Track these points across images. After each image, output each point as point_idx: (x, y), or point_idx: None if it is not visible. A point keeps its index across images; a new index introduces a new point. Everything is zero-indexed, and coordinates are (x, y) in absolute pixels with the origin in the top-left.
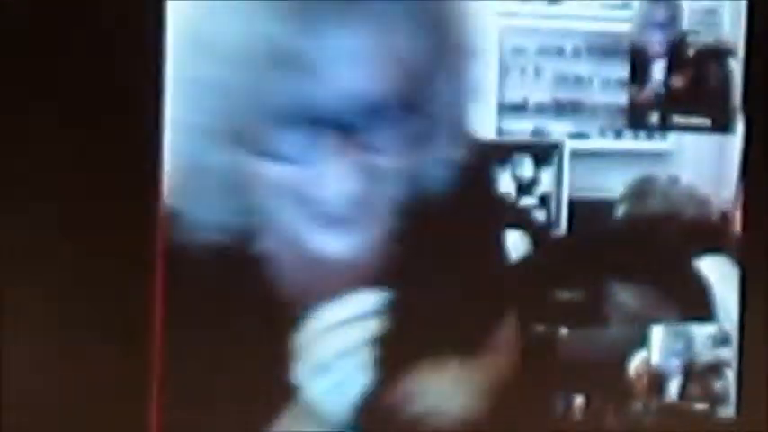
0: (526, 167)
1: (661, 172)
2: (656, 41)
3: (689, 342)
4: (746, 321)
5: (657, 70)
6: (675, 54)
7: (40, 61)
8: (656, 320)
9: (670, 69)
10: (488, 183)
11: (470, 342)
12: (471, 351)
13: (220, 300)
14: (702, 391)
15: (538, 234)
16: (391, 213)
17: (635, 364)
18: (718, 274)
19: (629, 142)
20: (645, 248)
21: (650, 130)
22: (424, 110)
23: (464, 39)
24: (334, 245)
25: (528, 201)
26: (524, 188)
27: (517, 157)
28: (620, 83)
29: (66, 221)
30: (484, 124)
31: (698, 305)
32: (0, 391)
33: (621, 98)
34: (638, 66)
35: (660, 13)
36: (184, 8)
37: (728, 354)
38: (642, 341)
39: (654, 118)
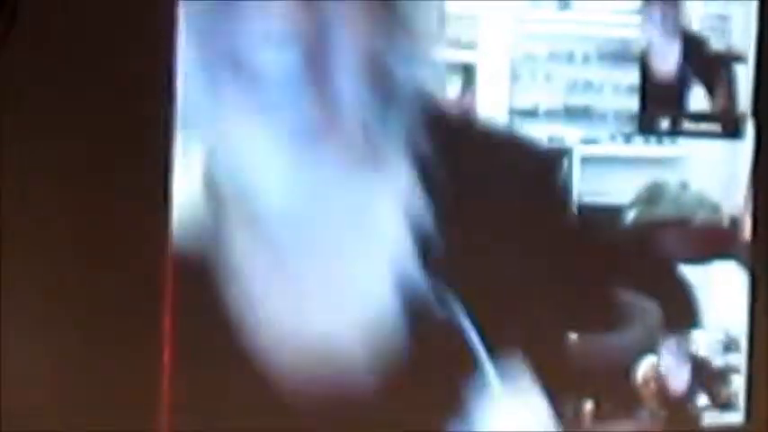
0: None
1: (671, 177)
2: (665, 48)
3: (698, 347)
4: (755, 327)
5: (667, 76)
6: (685, 60)
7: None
8: (663, 326)
9: (680, 75)
10: None
11: None
12: None
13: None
14: (711, 397)
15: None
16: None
17: (643, 369)
18: (728, 280)
19: (639, 148)
20: (647, 255)
21: (660, 136)
22: None
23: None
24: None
25: None
26: None
27: None
28: (631, 88)
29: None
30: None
31: (685, 312)
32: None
33: (632, 104)
34: (648, 72)
35: (670, 20)
36: None
37: (737, 359)
38: (650, 347)
39: (664, 124)
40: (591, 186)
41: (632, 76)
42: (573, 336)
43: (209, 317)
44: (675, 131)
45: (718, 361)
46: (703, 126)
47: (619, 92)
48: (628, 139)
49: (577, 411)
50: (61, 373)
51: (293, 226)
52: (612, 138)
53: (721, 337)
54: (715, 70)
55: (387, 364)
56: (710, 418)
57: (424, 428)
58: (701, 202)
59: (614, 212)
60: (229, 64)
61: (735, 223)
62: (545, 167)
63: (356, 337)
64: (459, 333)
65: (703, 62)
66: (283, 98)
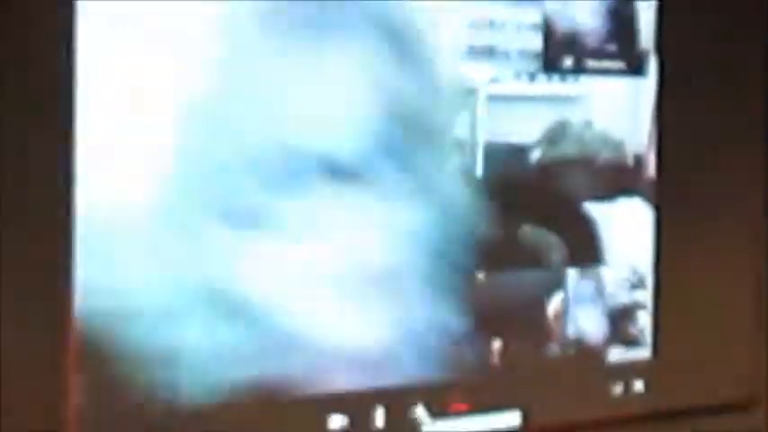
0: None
1: (575, 116)
2: None
3: (605, 285)
4: (662, 263)
5: (571, 14)
6: None
7: None
8: (569, 264)
9: (583, 13)
10: None
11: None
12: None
13: None
14: (618, 333)
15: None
16: None
17: (551, 307)
18: (633, 217)
19: (543, 86)
20: (552, 193)
21: (564, 74)
22: None
23: None
24: None
25: None
26: None
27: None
28: (534, 27)
29: None
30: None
31: (591, 249)
32: None
33: (535, 42)
34: (552, 9)
35: None
36: None
37: (644, 296)
38: (558, 284)
39: (567, 62)
40: (497, 126)
41: (536, 14)
42: (480, 275)
43: None
44: (579, 69)
45: (624, 297)
46: (606, 64)
47: (523, 30)
48: (532, 77)
49: (486, 350)
50: None
51: None
52: (517, 76)
53: (628, 273)
54: (617, 7)
55: None
56: (617, 354)
57: None
58: (605, 139)
59: (520, 151)
60: None
61: (639, 160)
62: None
63: None
64: None
65: None
66: None
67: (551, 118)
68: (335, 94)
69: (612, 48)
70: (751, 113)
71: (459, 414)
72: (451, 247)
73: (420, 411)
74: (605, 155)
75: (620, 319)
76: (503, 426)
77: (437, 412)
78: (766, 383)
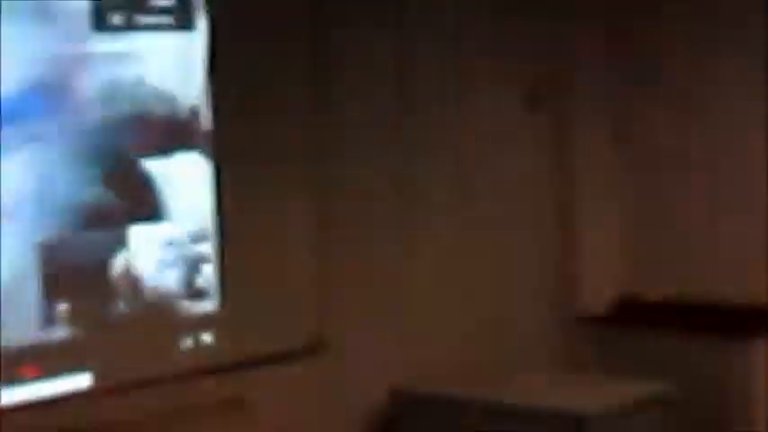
0: None
1: (128, 73)
2: None
3: (168, 240)
4: (224, 215)
5: None
6: None
7: None
8: (130, 221)
9: None
10: None
11: None
12: None
13: None
14: (186, 288)
15: None
16: None
17: (117, 265)
18: (191, 171)
19: (95, 45)
20: (112, 150)
21: (115, 32)
22: None
23: None
24: None
25: None
26: None
27: None
28: None
29: None
30: None
31: (151, 206)
32: None
33: (84, 1)
34: None
35: None
36: None
37: (208, 249)
38: (122, 243)
39: (117, 20)
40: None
41: None
42: (45, 237)
43: None
44: (129, 26)
45: (189, 251)
46: (156, 20)
47: None
48: (83, 37)
49: (54, 314)
50: None
51: None
52: (68, 37)
53: (191, 227)
54: None
55: None
56: (185, 308)
57: None
58: (159, 95)
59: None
60: None
61: (194, 114)
62: None
63: None
64: None
65: None
66: None
67: (105, 76)
68: None
69: (163, 4)
70: (298, 64)
71: (29, 380)
72: (33, 208)
73: None
74: (160, 110)
75: (186, 273)
76: (72, 388)
77: (7, 380)
78: (333, 327)
